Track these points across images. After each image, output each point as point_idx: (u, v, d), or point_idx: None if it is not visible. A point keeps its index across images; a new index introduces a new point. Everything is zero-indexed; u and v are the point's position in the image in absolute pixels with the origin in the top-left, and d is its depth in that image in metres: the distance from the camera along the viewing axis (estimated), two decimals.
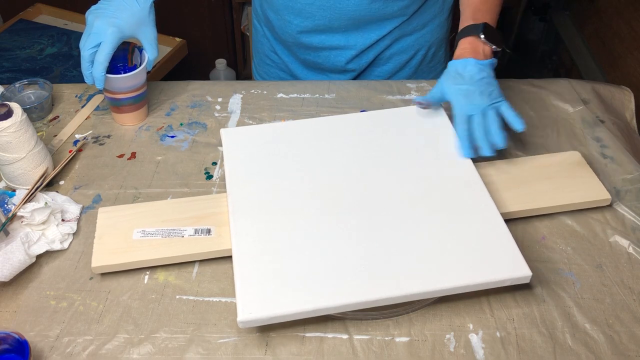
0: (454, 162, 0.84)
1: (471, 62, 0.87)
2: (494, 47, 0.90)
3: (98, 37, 0.86)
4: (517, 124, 0.85)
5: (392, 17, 1.02)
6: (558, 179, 0.85)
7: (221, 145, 0.94)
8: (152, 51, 0.93)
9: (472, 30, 0.90)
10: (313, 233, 0.75)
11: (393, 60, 1.10)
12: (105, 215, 0.80)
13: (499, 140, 0.83)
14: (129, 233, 0.77)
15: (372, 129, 0.89)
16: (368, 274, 0.70)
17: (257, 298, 0.68)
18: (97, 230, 0.78)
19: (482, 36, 0.89)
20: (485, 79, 0.87)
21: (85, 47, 0.87)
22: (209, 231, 0.78)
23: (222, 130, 0.89)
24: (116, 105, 0.95)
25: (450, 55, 1.17)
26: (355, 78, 1.12)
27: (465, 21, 0.93)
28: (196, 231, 0.78)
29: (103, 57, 0.87)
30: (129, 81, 0.92)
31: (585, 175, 0.86)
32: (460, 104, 0.86)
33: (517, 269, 0.71)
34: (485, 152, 0.84)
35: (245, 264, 0.71)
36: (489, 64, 0.89)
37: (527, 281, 0.71)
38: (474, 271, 0.70)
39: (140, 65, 0.93)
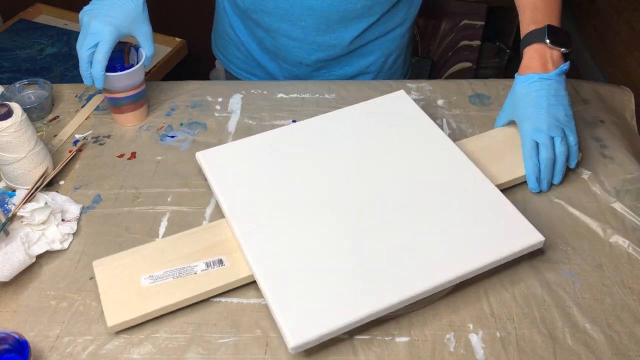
0: (439, 146, 0.85)
1: (535, 78, 0.84)
2: (562, 49, 0.86)
3: (95, 37, 0.86)
4: (572, 162, 0.85)
5: (357, 18, 1.01)
6: None
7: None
8: (149, 48, 0.93)
9: (535, 37, 0.86)
10: (327, 241, 0.73)
11: (353, 64, 1.09)
12: (103, 268, 0.73)
13: (557, 180, 0.85)
14: (136, 281, 0.72)
15: (350, 126, 0.89)
16: (394, 272, 0.70)
17: (301, 320, 0.65)
18: (100, 286, 0.72)
19: (548, 41, 0.85)
20: (553, 97, 0.83)
21: (83, 47, 0.87)
22: (221, 262, 0.74)
23: (198, 154, 0.85)
24: (116, 105, 0.95)
25: (409, 63, 1.17)
26: (308, 74, 1.10)
27: (525, 25, 0.88)
28: (208, 265, 0.73)
29: (102, 57, 0.87)
30: (128, 79, 0.92)
31: None
32: (526, 130, 0.84)
33: (530, 237, 0.73)
34: (543, 188, 0.85)
35: (275, 287, 0.68)
36: (557, 75, 0.84)
37: (541, 246, 0.73)
38: (489, 248, 0.72)
39: (137, 64, 0.93)
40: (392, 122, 0.89)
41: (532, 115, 0.83)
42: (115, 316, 0.69)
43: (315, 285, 0.69)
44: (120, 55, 0.96)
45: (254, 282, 0.73)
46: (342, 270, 0.70)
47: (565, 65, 0.85)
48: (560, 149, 0.83)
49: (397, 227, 0.75)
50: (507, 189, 0.86)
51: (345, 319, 0.66)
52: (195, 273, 0.73)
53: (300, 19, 1.00)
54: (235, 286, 0.73)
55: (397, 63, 1.14)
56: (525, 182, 0.87)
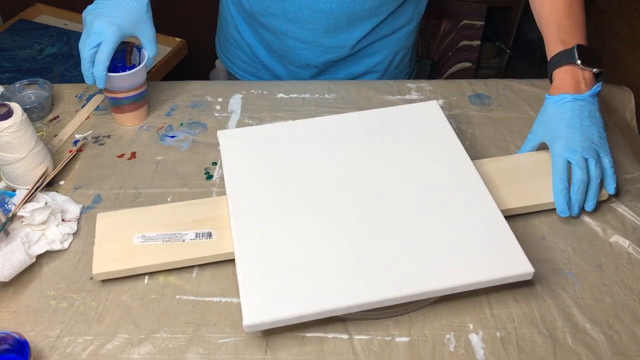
0: (453, 160, 0.84)
1: (568, 98, 0.81)
2: (594, 70, 0.83)
3: (99, 36, 0.86)
4: (610, 186, 0.81)
5: (365, 18, 1.01)
6: None
7: None
8: (151, 49, 0.93)
9: (565, 58, 0.84)
10: (315, 234, 0.74)
11: (360, 64, 1.09)
12: (105, 221, 0.79)
13: (589, 207, 0.81)
14: (129, 238, 0.76)
15: (370, 128, 0.89)
16: (370, 274, 0.70)
17: (262, 302, 0.67)
18: (97, 236, 0.77)
19: (579, 62, 0.82)
20: (586, 118, 0.80)
21: (86, 47, 0.87)
22: (209, 235, 0.77)
23: (219, 132, 0.88)
24: (117, 105, 0.95)
25: (414, 62, 1.17)
26: (316, 75, 1.11)
27: (552, 46, 0.86)
28: (197, 235, 0.77)
29: (104, 56, 0.87)
30: (130, 79, 0.92)
31: None
32: (558, 150, 0.80)
33: (519, 266, 0.71)
34: (574, 212, 0.81)
35: (248, 266, 0.70)
36: (590, 96, 0.82)
37: (530, 277, 0.71)
38: (476, 269, 0.70)
39: (139, 64, 0.93)
40: (414, 130, 0.89)
41: (565, 135, 0.80)
42: (101, 265, 0.74)
43: (287, 274, 0.70)
44: (122, 55, 0.96)
45: None
46: (317, 265, 0.71)
47: (599, 87, 0.83)
48: (595, 172, 0.79)
49: (386, 232, 0.74)
50: (513, 219, 0.81)
51: (304, 310, 0.67)
52: (184, 241, 0.76)
53: (309, 21, 1.00)
54: (217, 260, 0.76)
55: (403, 62, 1.14)
56: (534, 213, 0.83)
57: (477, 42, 2.05)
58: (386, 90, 1.05)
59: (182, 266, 0.76)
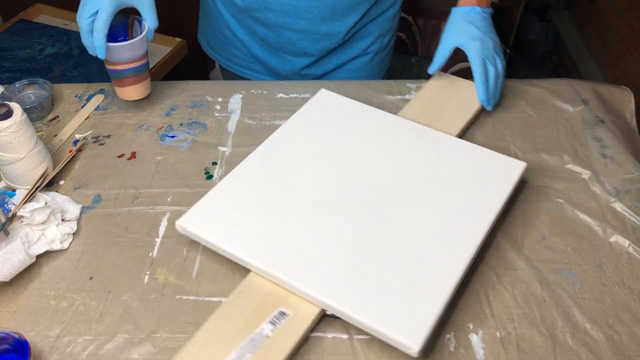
0: (390, 126, 0.90)
1: (477, 10, 0.96)
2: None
3: (94, 5, 0.85)
4: (502, 84, 0.97)
5: (359, 3, 1.04)
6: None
7: (221, 145, 0.95)
8: (151, 20, 0.91)
9: None
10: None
11: (353, 48, 1.11)
12: None
13: (497, 97, 0.96)
14: None
15: (301, 137, 0.90)
16: (435, 257, 0.72)
17: (406, 321, 0.66)
18: None
19: None
20: (491, 27, 0.96)
21: (82, 16, 0.86)
22: (283, 314, 0.69)
23: (177, 223, 0.78)
24: (118, 78, 0.94)
25: (393, 47, 1.23)
26: (314, 63, 1.11)
27: None
28: (273, 323, 0.68)
29: (101, 25, 0.86)
30: (131, 50, 0.91)
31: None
32: (476, 49, 0.93)
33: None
34: (492, 101, 0.95)
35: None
36: (490, 12, 0.98)
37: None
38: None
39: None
40: (337, 120, 0.92)
41: (480, 37, 0.94)
42: None
43: (389, 288, 0.69)
44: (124, 29, 0.95)
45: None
46: (397, 272, 0.71)
47: (492, 11, 1.00)
48: (501, 70, 0.96)
49: (409, 220, 0.77)
50: (514, 220, 0.83)
51: (438, 305, 0.67)
52: (269, 337, 0.67)
53: (307, 11, 1.01)
54: (313, 328, 0.70)
55: (390, 43, 1.17)
56: (533, 214, 0.85)
57: None
58: (386, 90, 1.05)
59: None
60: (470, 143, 0.87)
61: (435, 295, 0.69)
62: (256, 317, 0.69)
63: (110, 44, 0.89)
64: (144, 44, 0.93)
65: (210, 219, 0.78)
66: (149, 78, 0.98)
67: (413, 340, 0.64)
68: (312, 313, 0.69)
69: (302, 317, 0.69)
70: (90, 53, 0.89)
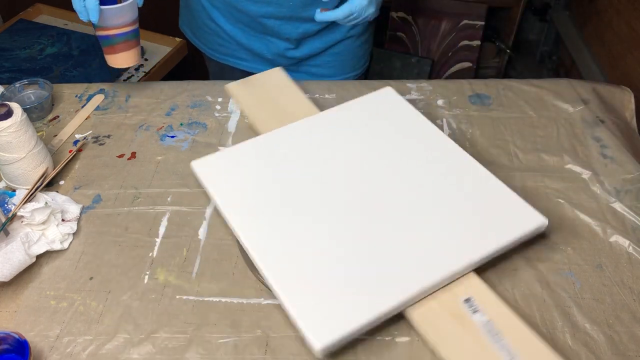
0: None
1: None
2: None
3: None
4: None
5: None
6: None
7: (221, 145, 0.95)
8: None
9: None
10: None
11: (336, 31, 1.12)
12: None
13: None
14: None
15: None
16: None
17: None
18: None
19: None
20: None
21: None
22: None
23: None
24: (109, 44, 0.95)
25: (374, 31, 1.23)
26: (297, 46, 1.12)
27: None
28: None
29: None
30: (121, 14, 0.91)
31: None
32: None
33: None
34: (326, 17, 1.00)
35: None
36: None
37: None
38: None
39: None
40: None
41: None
42: None
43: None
44: None
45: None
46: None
47: None
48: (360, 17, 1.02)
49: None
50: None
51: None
52: None
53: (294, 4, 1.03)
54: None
55: (370, 27, 1.18)
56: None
57: (477, 42, 2.05)
58: None
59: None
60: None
61: (503, 195, 0.75)
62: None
63: (103, 7, 0.89)
64: (134, 9, 0.93)
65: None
66: (139, 46, 0.99)
67: (540, 220, 0.73)
68: None
69: None
70: (82, 18, 0.89)
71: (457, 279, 0.72)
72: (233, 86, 1.01)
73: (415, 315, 0.69)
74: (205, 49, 1.21)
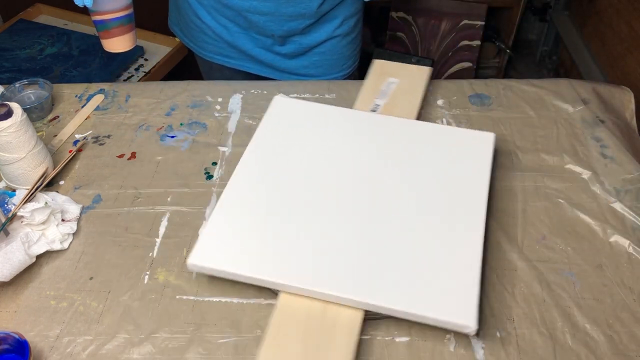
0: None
1: None
2: None
3: None
4: None
5: None
6: None
7: (221, 145, 0.95)
8: None
9: None
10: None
11: (321, 31, 1.11)
12: None
13: None
14: None
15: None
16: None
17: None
18: None
19: None
20: None
21: None
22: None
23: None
24: (105, 29, 0.95)
25: (361, 31, 1.22)
26: (282, 44, 1.12)
27: None
28: None
29: None
30: None
31: None
32: None
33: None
34: None
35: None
36: None
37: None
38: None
39: None
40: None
41: None
42: None
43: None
44: None
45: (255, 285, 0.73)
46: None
47: None
48: None
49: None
50: (514, 220, 0.83)
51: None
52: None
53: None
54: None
55: (357, 26, 1.18)
56: (534, 215, 0.86)
57: (477, 42, 2.05)
58: None
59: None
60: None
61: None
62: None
63: None
64: None
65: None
66: (135, 30, 0.99)
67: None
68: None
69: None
70: (77, 3, 0.89)
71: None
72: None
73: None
74: (194, 47, 1.21)
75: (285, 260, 0.72)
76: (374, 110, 0.96)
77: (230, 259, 0.72)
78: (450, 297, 0.69)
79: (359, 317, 0.69)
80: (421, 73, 1.05)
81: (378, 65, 1.06)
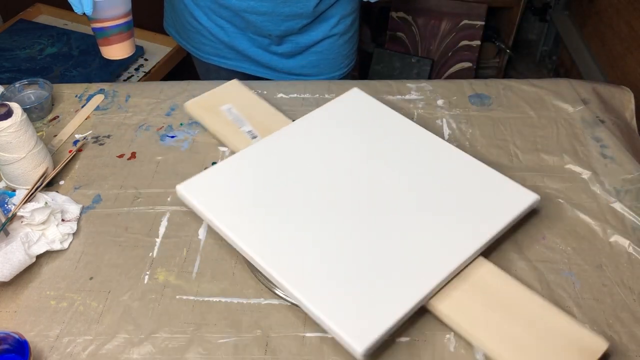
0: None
1: None
2: None
3: None
4: None
5: None
6: None
7: (222, 145, 0.95)
8: None
9: None
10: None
11: (318, 30, 1.11)
12: None
13: None
14: None
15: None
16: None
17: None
18: None
19: None
20: None
21: None
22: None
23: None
24: (104, 36, 0.95)
25: (358, 30, 1.22)
26: (279, 44, 1.12)
27: None
28: None
29: None
30: (115, 6, 0.92)
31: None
32: None
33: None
34: None
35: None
36: None
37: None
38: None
39: None
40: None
41: None
42: None
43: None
44: None
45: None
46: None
47: None
48: None
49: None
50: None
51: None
52: None
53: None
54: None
55: (354, 25, 1.18)
56: (534, 216, 0.86)
57: (477, 42, 2.05)
58: (386, 90, 1.05)
59: None
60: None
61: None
62: None
63: (97, 0, 0.89)
64: (127, 1, 0.94)
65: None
66: (133, 37, 0.99)
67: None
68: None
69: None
70: (77, 11, 0.89)
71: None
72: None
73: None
74: (190, 48, 1.21)
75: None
76: (254, 137, 0.91)
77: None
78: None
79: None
80: (240, 90, 1.01)
81: (192, 106, 0.98)
